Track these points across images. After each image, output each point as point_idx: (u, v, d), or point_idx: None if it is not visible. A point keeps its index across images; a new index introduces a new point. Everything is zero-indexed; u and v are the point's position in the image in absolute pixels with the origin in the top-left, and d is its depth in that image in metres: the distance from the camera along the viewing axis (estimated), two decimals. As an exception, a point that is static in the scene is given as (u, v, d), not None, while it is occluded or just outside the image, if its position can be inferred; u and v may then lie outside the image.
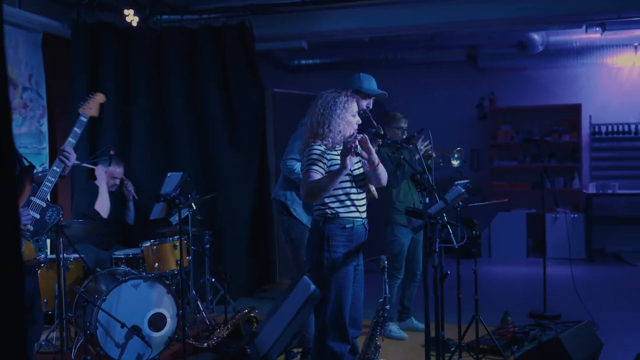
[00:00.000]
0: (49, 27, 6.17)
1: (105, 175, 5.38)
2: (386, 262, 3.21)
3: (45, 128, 6.16)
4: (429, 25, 7.07)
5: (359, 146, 3.18)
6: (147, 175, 6.20)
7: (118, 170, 5.45)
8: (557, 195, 6.33)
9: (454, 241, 3.57)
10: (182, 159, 6.37)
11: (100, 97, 3.67)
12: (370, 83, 4.19)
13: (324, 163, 3.32)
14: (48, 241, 4.66)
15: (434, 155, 4.96)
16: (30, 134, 5.96)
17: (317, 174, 3.28)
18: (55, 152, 6.16)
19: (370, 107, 4.22)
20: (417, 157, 5.01)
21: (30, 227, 3.23)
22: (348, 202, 3.35)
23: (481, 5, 6.70)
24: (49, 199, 3.42)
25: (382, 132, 4.13)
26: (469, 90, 9.26)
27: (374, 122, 4.20)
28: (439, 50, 8.75)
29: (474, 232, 4.25)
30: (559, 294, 6.23)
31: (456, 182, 3.80)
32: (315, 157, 3.31)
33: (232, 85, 6.49)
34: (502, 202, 4.38)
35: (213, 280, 5.86)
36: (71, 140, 3.46)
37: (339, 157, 3.27)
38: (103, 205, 5.35)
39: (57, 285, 4.20)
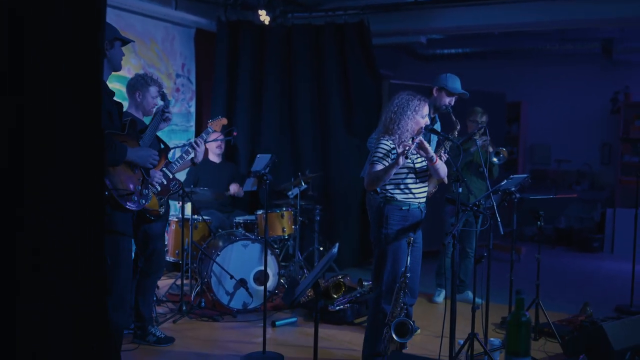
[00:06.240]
0: (200, 24, 7.26)
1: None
2: (412, 238, 3.74)
3: (193, 109, 7.30)
4: (558, 22, 7.08)
5: (411, 148, 3.70)
6: (274, 153, 7.09)
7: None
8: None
9: (501, 228, 3.99)
10: (304, 140, 7.22)
11: (224, 120, 4.75)
12: (454, 83, 4.74)
13: (389, 157, 3.88)
14: (177, 204, 5.75)
15: (490, 150, 5.41)
16: (180, 114, 7.12)
17: (381, 166, 3.86)
18: (200, 130, 7.29)
19: (453, 103, 4.76)
20: (472, 149, 5.47)
21: (158, 188, 4.21)
22: (405, 189, 3.91)
23: (615, 3, 6.60)
24: (175, 175, 4.47)
25: (458, 127, 4.68)
26: (602, 83, 9.16)
27: (453, 117, 4.72)
28: (572, 43, 8.74)
29: (538, 222, 4.61)
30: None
31: (511, 176, 4.21)
32: (382, 152, 3.89)
33: (350, 77, 7.20)
34: (571, 197, 4.66)
35: (321, 249, 6.65)
36: (204, 135, 4.56)
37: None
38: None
39: (182, 240, 5.20)
